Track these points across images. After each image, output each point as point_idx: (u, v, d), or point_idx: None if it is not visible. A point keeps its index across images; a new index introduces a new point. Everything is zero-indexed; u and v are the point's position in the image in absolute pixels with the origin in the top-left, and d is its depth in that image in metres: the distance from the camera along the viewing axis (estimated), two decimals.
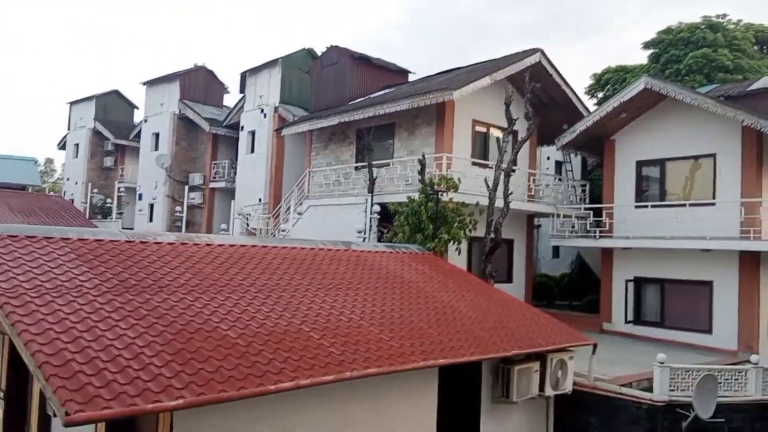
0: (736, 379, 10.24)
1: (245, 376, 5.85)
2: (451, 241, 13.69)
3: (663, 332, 16.59)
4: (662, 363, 9.93)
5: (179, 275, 7.78)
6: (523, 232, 19.35)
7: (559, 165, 26.63)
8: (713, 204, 15.71)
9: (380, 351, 7.36)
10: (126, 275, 7.30)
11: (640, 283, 17.37)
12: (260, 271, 8.90)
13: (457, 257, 16.12)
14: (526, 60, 16.97)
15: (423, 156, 14.69)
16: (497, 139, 15.84)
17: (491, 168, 17.27)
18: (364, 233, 15.41)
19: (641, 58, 26.25)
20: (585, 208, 18.22)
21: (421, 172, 14.44)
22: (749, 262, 15.11)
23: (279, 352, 6.54)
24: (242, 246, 9.71)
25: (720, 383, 10.06)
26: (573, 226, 18.11)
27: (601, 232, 17.55)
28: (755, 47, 24.03)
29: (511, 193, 14.55)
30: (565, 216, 18.27)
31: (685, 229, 15.67)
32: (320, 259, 10.31)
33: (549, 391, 9.87)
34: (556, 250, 26.64)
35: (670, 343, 15.95)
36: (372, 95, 20.36)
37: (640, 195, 17.57)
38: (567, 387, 10.20)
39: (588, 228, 17.77)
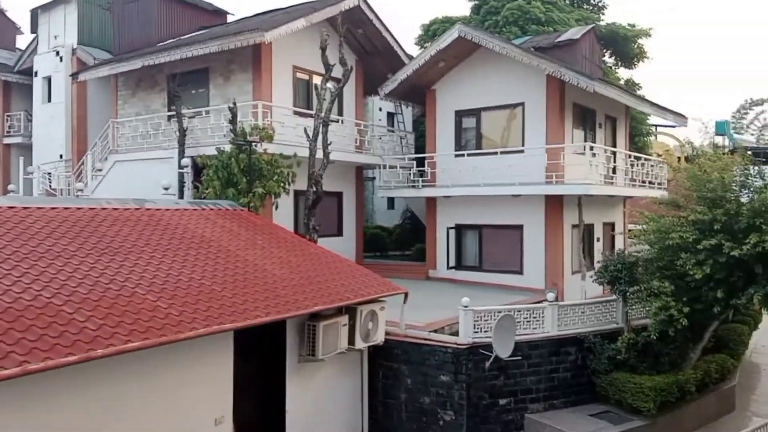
0: (534, 317, 10.79)
1: None
2: (268, 196, 12.85)
3: (482, 275, 17.36)
4: (466, 306, 10.12)
5: None
6: (352, 184, 19.07)
7: (391, 116, 26.71)
8: (522, 151, 16.47)
9: (152, 321, 6.44)
10: None
11: (460, 230, 17.96)
12: (12, 237, 7.43)
13: (283, 212, 15.45)
14: (344, 3, 16.23)
15: (234, 103, 13.53)
16: (315, 86, 15.08)
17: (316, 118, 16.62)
18: (176, 190, 14.04)
19: (467, 9, 26.70)
20: (408, 158, 18.28)
21: (233, 122, 13.31)
22: (554, 205, 16.14)
23: (11, 333, 5.37)
24: None
25: (519, 322, 10.54)
26: (399, 177, 18.13)
27: (424, 181, 17.76)
28: (566, 1, 25.54)
29: (330, 143, 13.99)
30: (391, 167, 18.22)
31: (498, 177, 16.29)
32: (100, 220, 8.96)
33: (360, 344, 9.66)
34: (391, 202, 26.95)
35: (489, 285, 16.77)
36: (183, 37, 18.47)
37: (460, 144, 17.98)
38: (379, 338, 10.07)
39: (411, 178, 17.87)
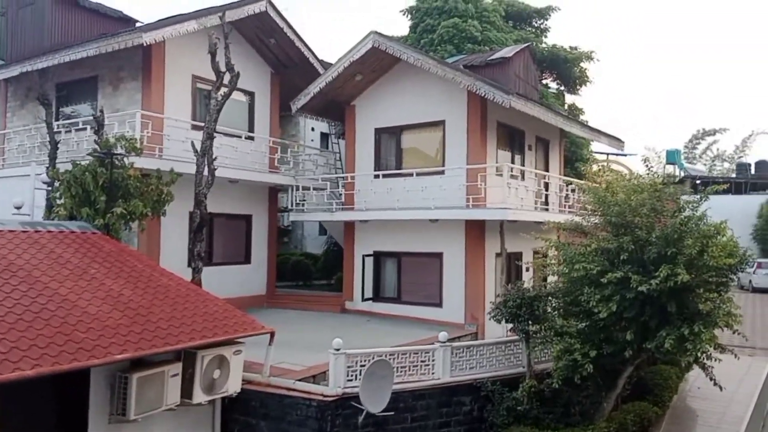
0: (422, 361, 9.23)
1: None
2: (131, 217, 11.11)
3: (400, 308, 15.83)
4: (337, 350, 8.51)
5: None
6: (264, 206, 17.46)
7: (326, 137, 25.29)
8: (442, 172, 15.11)
9: None
10: None
11: (379, 257, 16.43)
12: None
13: (176, 236, 13.82)
14: (248, 7, 14.84)
15: (101, 111, 11.84)
16: (205, 96, 13.54)
17: (221, 133, 15.06)
18: (33, 209, 12.21)
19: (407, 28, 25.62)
20: (322, 179, 16.73)
21: (98, 133, 11.61)
22: (475, 232, 14.75)
23: None
24: None
25: (405, 367, 8.97)
26: (313, 199, 16.60)
27: (338, 204, 16.23)
28: (504, 20, 24.69)
29: (215, 159, 12.35)
30: (304, 188, 16.67)
31: (418, 200, 14.89)
32: None
33: (200, 398, 7.93)
34: (323, 227, 25.35)
35: (407, 319, 15.24)
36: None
37: (379, 164, 16.57)
38: (230, 388, 8.36)
39: (326, 201, 16.34)
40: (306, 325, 14.56)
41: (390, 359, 8.84)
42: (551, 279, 10.28)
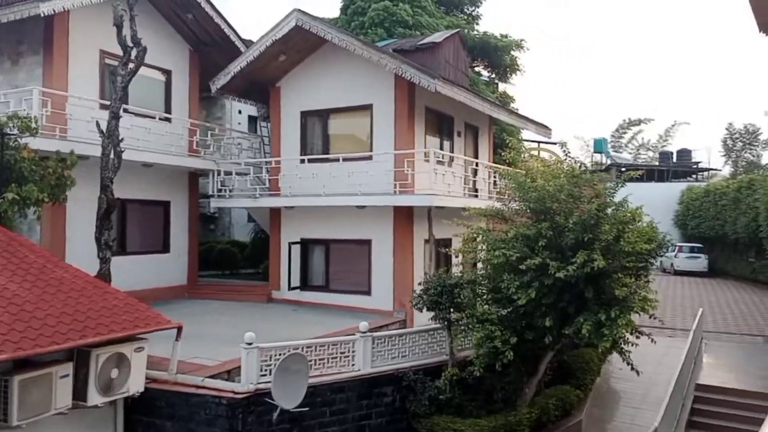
0: (342, 353, 8.86)
1: None
2: (25, 203, 10.14)
3: (328, 297, 15.40)
4: (250, 344, 8.01)
5: None
6: (183, 192, 16.57)
7: (254, 120, 24.41)
8: (370, 158, 14.73)
9: None
10: None
11: (306, 245, 15.93)
12: None
13: (88, 223, 12.79)
14: None
15: None
16: (111, 72, 12.59)
17: (132, 113, 14.13)
18: None
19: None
20: (246, 164, 16.00)
21: None
22: (402, 217, 14.47)
23: None
24: None
25: (323, 360, 8.58)
26: (235, 185, 15.87)
27: (262, 190, 15.59)
28: (436, 5, 24.47)
29: (122, 140, 11.46)
30: (226, 173, 15.91)
31: (345, 186, 14.45)
32: None
33: (95, 399, 7.27)
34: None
35: (336, 308, 14.85)
36: None
37: (305, 149, 16.01)
38: (131, 388, 7.72)
39: (249, 186, 15.64)
40: (228, 317, 13.92)
41: (307, 352, 8.43)
42: (480, 266, 10.14)
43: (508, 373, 9.36)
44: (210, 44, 16.62)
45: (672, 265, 33.71)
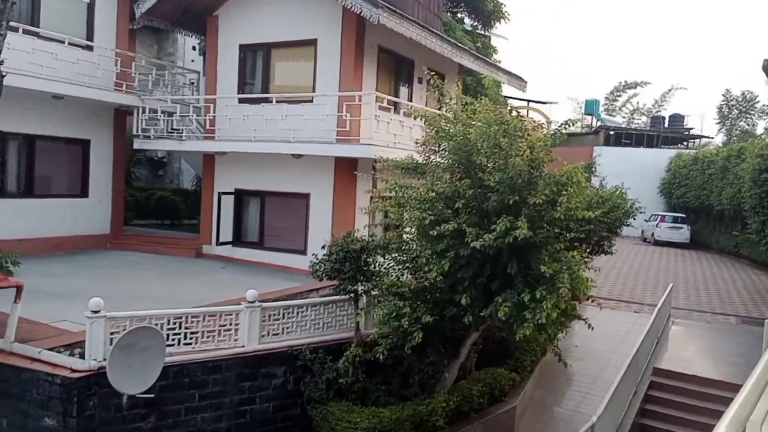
0: (222, 326, 7.42)
1: None
2: None
3: (262, 254, 13.98)
4: (96, 312, 6.54)
5: None
6: (107, 130, 14.84)
7: None
8: (311, 101, 13.03)
9: None
10: None
11: (241, 197, 14.38)
12: None
13: None
14: None
15: None
16: None
17: (40, 36, 12.34)
18: None
19: None
20: (172, 101, 14.23)
21: None
22: (344, 170, 12.88)
23: None
24: None
25: (196, 333, 7.14)
26: (160, 124, 14.15)
27: (189, 132, 13.92)
28: None
29: (2, 62, 9.70)
30: (151, 110, 14.16)
31: (279, 131, 12.81)
32: None
33: None
34: None
35: (269, 267, 13.46)
36: None
37: (244, 87, 14.27)
38: None
39: (174, 127, 13.95)
40: (142, 272, 12.48)
41: (175, 324, 6.99)
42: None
43: (426, 354, 7.99)
44: None
45: (653, 234, 32.43)
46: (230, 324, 7.41)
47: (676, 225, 32.01)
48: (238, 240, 14.40)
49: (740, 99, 46.91)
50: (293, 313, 7.87)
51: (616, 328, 15.13)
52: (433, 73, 9.78)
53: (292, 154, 12.81)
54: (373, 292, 7.83)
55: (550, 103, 49.00)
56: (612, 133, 41.05)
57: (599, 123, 44.03)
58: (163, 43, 21.75)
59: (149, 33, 20.58)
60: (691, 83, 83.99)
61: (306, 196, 13.47)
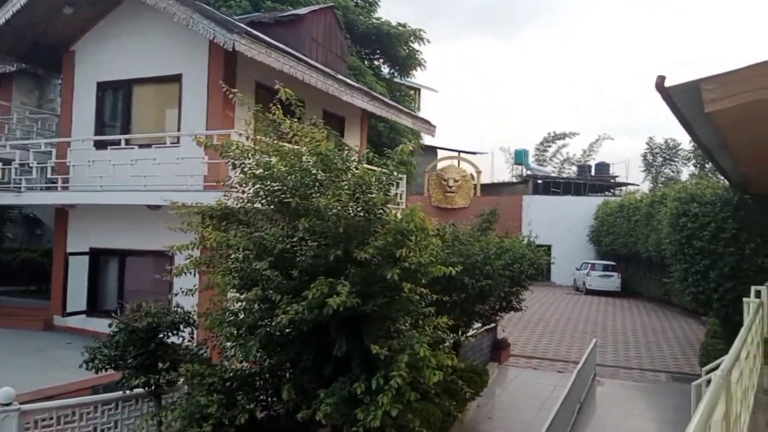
0: None
1: None
2: None
3: None
4: None
5: None
6: None
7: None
8: (177, 142, 11.25)
9: None
10: None
11: (97, 257, 12.24)
12: None
13: None
14: None
15: None
16: None
17: None
18: None
19: None
20: (11, 146, 12.13)
21: None
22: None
23: None
24: None
25: None
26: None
27: (30, 182, 11.81)
28: None
29: None
30: None
31: (129, 177, 10.92)
32: None
33: None
34: None
35: None
36: None
37: (102, 129, 12.38)
38: None
39: (15, 177, 11.83)
40: None
41: None
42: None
43: None
44: None
45: (584, 283, 31.63)
46: None
47: (607, 273, 31.34)
48: (93, 309, 12.15)
49: (663, 147, 48.01)
50: (74, 416, 5.76)
51: (537, 392, 13.54)
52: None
53: (148, 206, 10.88)
54: (180, 383, 5.89)
55: (481, 153, 49.07)
56: (540, 182, 40.87)
57: (528, 172, 43.96)
58: (44, 89, 19.65)
59: (28, 78, 18.61)
60: (617, 133, 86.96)
61: (171, 257, 11.47)
